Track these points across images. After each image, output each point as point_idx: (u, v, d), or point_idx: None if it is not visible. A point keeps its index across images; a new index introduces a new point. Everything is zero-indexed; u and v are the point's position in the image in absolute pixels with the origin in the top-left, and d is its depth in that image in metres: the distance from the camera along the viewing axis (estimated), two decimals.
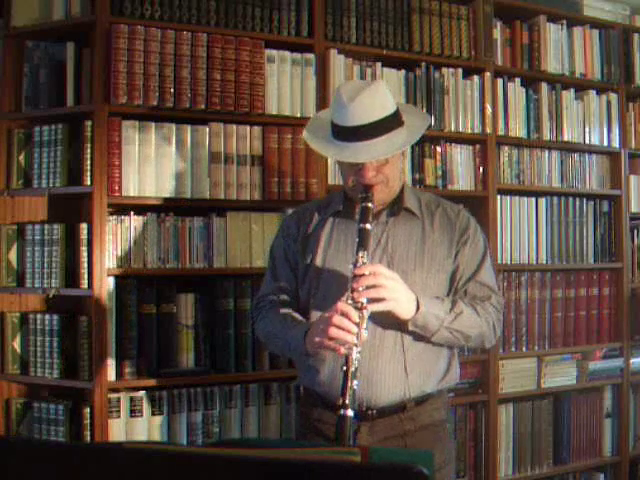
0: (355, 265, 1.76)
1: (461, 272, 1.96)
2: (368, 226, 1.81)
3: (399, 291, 1.77)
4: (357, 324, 1.70)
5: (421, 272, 1.91)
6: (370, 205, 1.84)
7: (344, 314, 1.70)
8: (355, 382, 1.68)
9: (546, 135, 3.31)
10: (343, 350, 1.69)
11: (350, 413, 1.65)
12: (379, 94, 1.87)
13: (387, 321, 1.85)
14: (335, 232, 1.99)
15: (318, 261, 1.96)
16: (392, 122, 1.87)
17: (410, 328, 1.83)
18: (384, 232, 1.95)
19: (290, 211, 2.69)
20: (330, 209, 2.03)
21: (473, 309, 1.90)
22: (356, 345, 1.69)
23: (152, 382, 2.56)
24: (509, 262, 3.19)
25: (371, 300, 1.74)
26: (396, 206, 1.97)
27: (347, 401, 1.65)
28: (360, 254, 1.77)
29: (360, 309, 1.71)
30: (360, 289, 1.72)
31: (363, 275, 1.73)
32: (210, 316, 2.68)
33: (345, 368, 1.69)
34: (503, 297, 2.06)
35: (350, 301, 1.72)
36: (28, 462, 1.04)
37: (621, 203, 3.49)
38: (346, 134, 1.85)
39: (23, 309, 2.68)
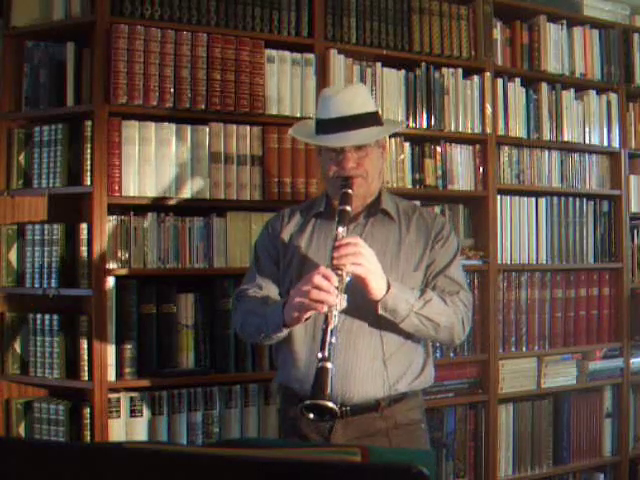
0: (336, 239, 1.83)
1: (432, 267, 2.02)
2: (348, 208, 1.88)
3: (374, 264, 1.83)
4: (337, 288, 1.74)
5: (397, 273, 1.96)
6: (349, 191, 1.92)
7: (324, 276, 1.74)
8: (334, 338, 1.71)
9: (546, 135, 3.32)
10: (324, 309, 1.73)
11: (329, 365, 1.67)
12: (360, 92, 2.03)
13: (364, 313, 1.89)
14: (316, 232, 2.05)
15: (299, 258, 2.02)
16: (372, 119, 1.98)
17: (380, 311, 1.86)
18: (362, 233, 2.00)
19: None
20: (312, 210, 2.10)
21: (442, 299, 1.95)
22: (335, 306, 1.73)
23: (152, 382, 2.56)
24: (509, 262, 3.19)
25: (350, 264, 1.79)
26: (373, 208, 2.04)
27: (326, 353, 1.68)
28: (340, 229, 1.84)
29: (340, 275, 1.76)
30: (339, 255, 1.78)
31: (344, 245, 1.80)
32: (210, 316, 2.68)
33: (324, 326, 1.72)
34: (472, 295, 2.12)
35: (330, 266, 1.78)
36: (28, 462, 1.04)
37: (621, 203, 3.49)
38: (327, 126, 1.95)
39: (23, 309, 2.67)
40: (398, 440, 1.95)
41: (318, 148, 2.08)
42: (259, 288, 2.05)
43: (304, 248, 2.03)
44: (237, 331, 2.16)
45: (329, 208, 2.05)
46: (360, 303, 1.86)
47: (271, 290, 2.05)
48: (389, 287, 1.84)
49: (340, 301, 1.74)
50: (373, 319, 1.91)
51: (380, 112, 2.10)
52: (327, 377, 1.65)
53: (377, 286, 1.83)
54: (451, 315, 1.94)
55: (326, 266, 1.79)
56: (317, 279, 1.74)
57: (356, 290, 1.82)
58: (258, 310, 1.96)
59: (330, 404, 1.62)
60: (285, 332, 1.90)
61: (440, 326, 1.93)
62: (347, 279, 1.78)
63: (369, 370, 1.92)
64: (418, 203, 2.63)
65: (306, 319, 1.84)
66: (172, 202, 2.63)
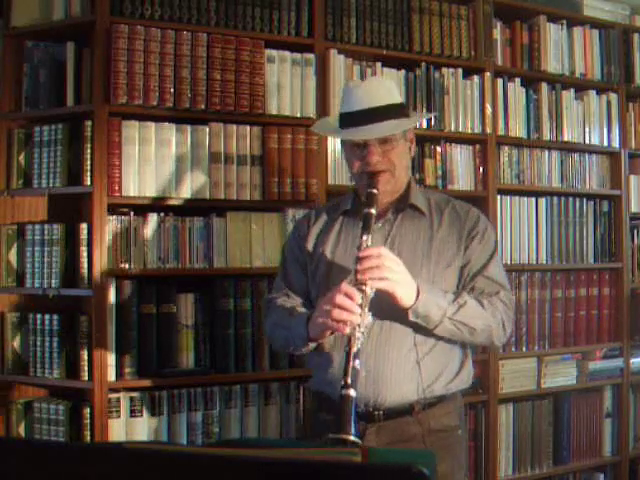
0: (359, 248, 1.75)
1: (469, 267, 1.92)
2: (373, 210, 1.80)
3: (400, 274, 1.75)
4: (360, 305, 1.68)
5: (428, 270, 1.88)
6: (375, 191, 1.84)
7: (347, 295, 1.69)
8: (357, 362, 1.65)
9: (546, 135, 3.32)
10: (347, 330, 1.68)
11: (352, 393, 1.62)
12: (384, 84, 1.95)
13: (395, 315, 1.82)
14: (344, 231, 1.99)
15: (327, 259, 1.96)
16: (397, 111, 1.90)
17: (411, 318, 1.79)
18: (391, 229, 1.93)
19: (295, 212, 2.73)
20: (339, 209, 2.03)
21: (479, 302, 1.86)
22: (359, 325, 1.67)
23: (152, 382, 2.56)
24: (509, 262, 3.19)
25: (374, 280, 1.73)
26: (402, 203, 1.96)
27: (349, 380, 1.62)
28: (364, 237, 1.77)
29: (363, 290, 1.70)
30: (362, 269, 1.71)
31: (367, 257, 1.72)
32: (210, 316, 2.68)
33: (347, 348, 1.66)
34: (514, 295, 2.01)
35: (353, 282, 1.72)
36: (28, 462, 1.04)
37: (621, 203, 3.49)
38: (350, 119, 1.88)
39: (23, 309, 2.67)
40: (433, 446, 1.86)
41: (343, 144, 2.02)
42: (287, 296, 2.00)
43: (331, 250, 1.96)
44: (270, 342, 2.15)
45: (356, 206, 1.98)
46: (390, 306, 1.79)
47: (299, 297, 2.00)
48: (419, 293, 1.77)
49: (363, 319, 1.68)
50: (405, 320, 1.82)
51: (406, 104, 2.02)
52: (350, 407, 1.60)
53: (405, 295, 1.76)
54: (488, 318, 1.85)
55: (349, 281, 1.74)
56: (339, 298, 1.68)
57: (385, 297, 1.76)
58: (284, 323, 1.92)
59: (352, 438, 1.56)
60: (313, 345, 1.86)
61: (476, 330, 1.84)
62: (371, 294, 1.72)
63: (402, 372, 1.84)
64: None
65: (330, 334, 1.79)
66: (172, 202, 2.63)
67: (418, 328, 1.84)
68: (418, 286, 1.78)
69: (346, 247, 1.95)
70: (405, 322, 1.83)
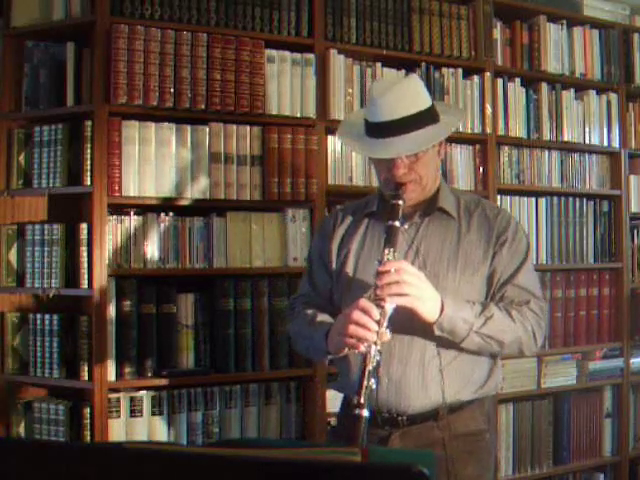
0: (380, 262, 1.70)
1: (498, 275, 1.86)
2: (397, 223, 1.75)
3: (422, 289, 1.70)
4: (377, 322, 1.64)
5: (454, 275, 1.83)
6: (400, 202, 1.78)
7: (364, 310, 1.65)
8: (372, 381, 1.62)
9: (546, 135, 3.31)
10: (362, 348, 1.64)
11: (365, 413, 1.59)
12: (410, 89, 1.83)
13: (417, 326, 1.77)
14: (369, 233, 1.93)
15: (351, 262, 1.91)
16: (424, 118, 1.81)
17: (437, 333, 1.74)
18: (417, 233, 1.88)
19: (295, 212, 2.73)
20: (365, 211, 1.97)
21: (507, 313, 1.79)
22: (376, 343, 1.64)
23: (152, 382, 2.56)
24: None
25: (393, 296, 1.68)
26: (430, 206, 1.90)
27: (362, 400, 1.59)
28: (386, 251, 1.71)
29: (382, 307, 1.65)
30: (382, 285, 1.67)
31: (387, 272, 1.67)
32: (210, 316, 2.68)
33: (363, 366, 1.63)
34: (546, 302, 1.93)
35: (372, 298, 1.68)
36: (28, 462, 1.04)
37: (621, 203, 3.49)
38: (377, 130, 1.80)
39: (23, 309, 2.67)
40: (457, 451, 1.82)
41: None
42: (310, 298, 1.98)
43: (356, 252, 1.91)
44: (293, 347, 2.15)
45: (383, 208, 1.91)
46: (414, 319, 1.74)
47: (322, 297, 1.97)
48: (443, 307, 1.71)
49: (381, 337, 1.64)
50: (430, 333, 1.77)
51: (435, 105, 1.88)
52: (361, 428, 1.58)
53: (428, 311, 1.70)
54: (518, 330, 1.79)
55: (368, 296, 1.69)
56: (356, 314, 1.65)
57: (405, 312, 1.72)
58: (305, 332, 1.90)
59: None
60: (332, 357, 1.85)
61: (505, 343, 1.79)
62: (390, 310, 1.67)
63: (423, 380, 1.80)
64: None
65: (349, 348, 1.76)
66: (172, 202, 2.63)
67: (443, 341, 1.79)
68: (442, 300, 1.72)
69: (371, 250, 1.90)
70: (428, 328, 1.77)
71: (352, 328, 1.65)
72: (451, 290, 1.79)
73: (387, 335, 1.66)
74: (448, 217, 1.89)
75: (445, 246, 1.85)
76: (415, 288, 1.68)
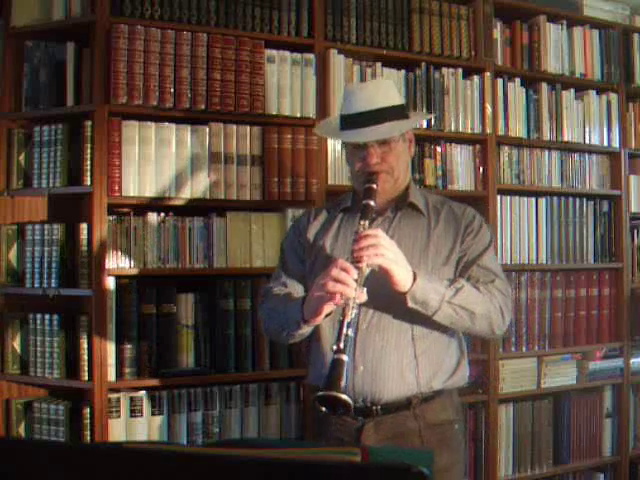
0: (357, 232, 1.79)
1: (465, 258, 1.95)
2: (372, 202, 1.85)
3: (397, 253, 1.79)
4: (355, 280, 1.70)
5: (426, 267, 1.90)
6: (374, 186, 1.88)
7: (342, 269, 1.71)
8: (350, 330, 1.68)
9: (546, 135, 3.31)
10: (341, 301, 1.70)
11: (345, 358, 1.64)
12: (384, 86, 1.98)
13: (393, 306, 1.83)
14: (342, 228, 2.02)
15: (325, 255, 1.98)
16: (396, 113, 1.93)
17: (410, 304, 1.80)
18: (389, 227, 1.96)
19: (295, 212, 2.73)
20: (339, 207, 2.07)
21: (474, 287, 1.88)
22: (354, 298, 1.70)
23: (152, 382, 2.56)
24: (509, 262, 3.19)
25: (370, 256, 1.75)
26: (401, 202, 2.00)
27: (342, 345, 1.65)
28: (362, 222, 1.81)
29: (359, 267, 1.72)
30: (359, 247, 1.75)
31: (364, 236, 1.76)
32: (210, 316, 2.68)
33: (341, 318, 1.69)
34: (510, 285, 2.02)
35: (350, 260, 1.75)
36: (28, 462, 1.04)
37: (621, 203, 3.49)
38: (351, 121, 1.91)
39: (23, 309, 2.67)
40: (430, 440, 1.89)
41: (344, 145, 2.06)
42: (284, 286, 2.01)
43: (330, 244, 2.00)
44: (263, 331, 2.15)
45: (356, 204, 2.00)
46: (388, 298, 1.82)
47: (296, 288, 2.01)
48: (415, 279, 1.79)
49: (358, 294, 1.70)
50: (403, 314, 1.86)
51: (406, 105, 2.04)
52: (342, 369, 1.62)
53: (402, 277, 1.77)
54: (487, 303, 1.87)
55: (346, 259, 1.76)
56: (334, 272, 1.70)
57: (383, 285, 1.78)
58: (279, 308, 1.94)
59: (343, 396, 1.58)
60: (306, 329, 1.87)
61: (476, 314, 1.85)
62: (367, 271, 1.74)
63: (399, 368, 1.87)
64: None
65: (326, 315, 1.79)
66: (172, 202, 2.63)
67: (416, 322, 1.86)
68: (414, 272, 1.80)
69: (345, 242, 1.97)
70: (404, 317, 1.85)
71: (331, 284, 1.70)
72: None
73: (364, 295, 1.72)
74: (418, 213, 2.00)
75: (416, 239, 1.95)
76: (390, 252, 1.77)
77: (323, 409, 1.63)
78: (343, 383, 1.61)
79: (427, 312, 1.82)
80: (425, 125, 3.02)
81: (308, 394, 2.10)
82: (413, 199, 1.99)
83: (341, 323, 1.68)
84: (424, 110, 3.01)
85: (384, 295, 1.81)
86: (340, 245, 1.98)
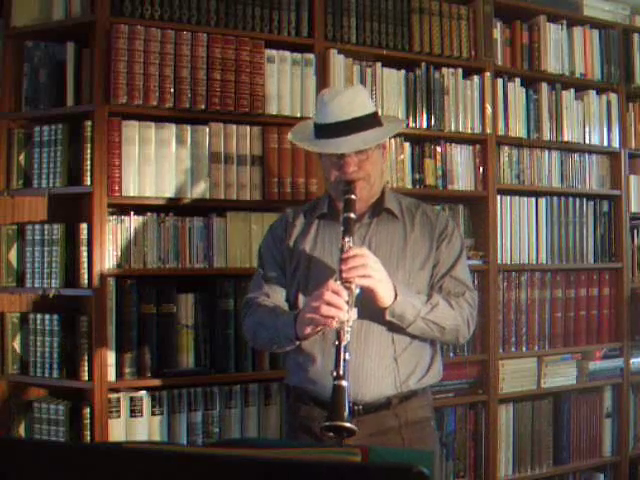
0: (342, 250, 1.83)
1: (438, 268, 2.02)
2: (352, 215, 1.88)
3: (382, 272, 1.84)
4: (347, 302, 1.75)
5: (404, 271, 1.97)
6: (353, 197, 1.91)
7: (334, 292, 1.75)
8: (347, 354, 1.72)
9: (546, 135, 3.31)
10: (335, 324, 1.74)
11: (345, 384, 1.68)
12: (358, 95, 1.98)
13: (373, 314, 1.89)
14: (320, 233, 2.05)
15: (305, 262, 2.01)
16: (370, 121, 1.96)
17: (387, 317, 1.88)
18: (367, 233, 2.01)
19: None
20: (315, 212, 2.09)
21: (448, 303, 1.96)
22: (348, 321, 1.74)
23: (152, 382, 2.56)
24: (509, 262, 3.19)
25: (360, 278, 1.80)
26: (377, 208, 2.04)
27: (341, 372, 1.69)
28: (346, 239, 1.84)
29: (349, 288, 1.77)
30: (348, 268, 1.79)
31: (352, 257, 1.80)
32: (210, 316, 2.68)
33: (337, 342, 1.73)
34: (476, 293, 2.11)
35: (339, 281, 1.79)
36: (28, 462, 1.04)
37: (621, 203, 3.49)
38: (327, 131, 1.94)
39: (23, 309, 2.67)
40: (410, 437, 1.97)
41: (319, 153, 2.07)
42: (267, 296, 2.04)
43: (309, 251, 2.03)
44: (249, 341, 2.17)
45: (332, 209, 2.05)
46: (370, 304, 1.86)
47: (278, 296, 2.04)
48: (396, 294, 1.86)
49: (351, 315, 1.75)
50: (381, 318, 1.91)
51: (379, 112, 2.08)
52: (344, 396, 1.67)
53: (385, 295, 1.84)
54: (457, 317, 1.96)
55: (335, 279, 1.80)
56: (327, 295, 1.74)
57: (366, 297, 1.84)
58: (268, 322, 1.96)
59: (349, 425, 1.64)
60: (298, 343, 1.92)
61: (445, 330, 1.95)
62: (356, 292, 1.80)
63: (380, 368, 1.93)
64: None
65: (318, 331, 1.85)
66: (172, 202, 2.63)
67: (393, 327, 1.93)
68: (395, 287, 1.86)
69: (323, 249, 2.02)
70: (381, 321, 1.91)
71: (324, 308, 1.74)
72: (402, 284, 1.92)
73: (355, 314, 1.77)
74: (394, 218, 2.04)
75: (394, 244, 2.01)
76: (377, 271, 1.82)
77: (330, 434, 1.68)
78: (347, 410, 1.66)
79: (402, 324, 1.90)
80: (425, 125, 3.02)
81: (291, 395, 2.11)
82: (388, 204, 2.04)
83: (337, 348, 1.73)
84: (424, 110, 3.01)
85: (367, 303, 1.85)
86: (319, 252, 2.02)
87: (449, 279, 2.01)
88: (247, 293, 2.14)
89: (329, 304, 1.74)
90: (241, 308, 2.16)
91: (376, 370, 1.93)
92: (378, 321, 1.92)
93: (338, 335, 1.74)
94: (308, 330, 1.82)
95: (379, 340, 1.94)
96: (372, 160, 1.97)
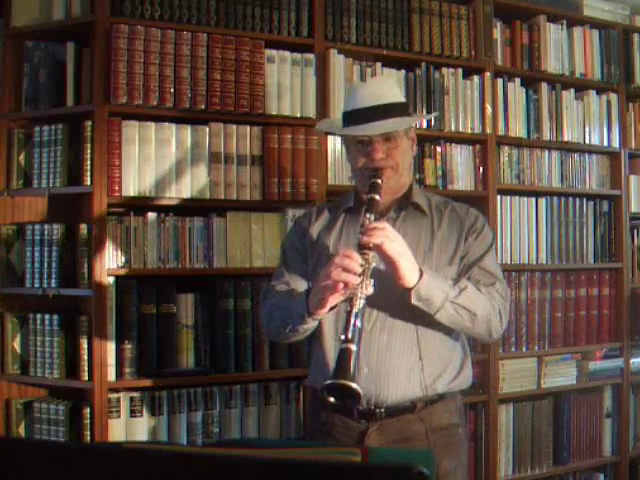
0: (362, 225, 1.77)
1: (466, 259, 1.94)
2: (376, 196, 1.83)
3: (404, 247, 1.76)
4: (362, 266, 1.67)
5: (430, 267, 1.87)
6: (379, 181, 1.86)
7: (348, 256, 1.68)
8: (359, 321, 1.64)
9: (546, 135, 3.31)
10: (347, 292, 1.67)
11: (353, 347, 1.60)
12: (388, 83, 2.02)
13: (396, 306, 1.82)
14: (345, 228, 1.99)
15: (328, 255, 1.94)
16: (399, 109, 1.93)
17: (413, 301, 1.77)
18: (393, 227, 1.89)
19: (295, 212, 2.71)
20: (341, 207, 2.04)
21: (477, 288, 1.87)
22: (361, 287, 1.66)
23: (152, 382, 2.56)
24: (509, 262, 3.19)
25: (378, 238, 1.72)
26: (404, 202, 1.98)
27: (350, 336, 1.61)
28: (367, 215, 1.78)
29: (365, 254, 1.69)
30: (368, 234, 1.72)
31: (372, 227, 1.73)
32: (210, 316, 2.68)
33: (349, 309, 1.65)
34: (513, 293, 2.03)
35: (356, 249, 1.72)
36: (28, 462, 1.04)
37: (621, 203, 3.49)
38: (357, 116, 1.90)
39: (23, 309, 2.67)
40: (435, 444, 1.86)
41: (346, 143, 2.02)
42: (287, 285, 1.98)
43: (333, 244, 1.96)
44: (264, 329, 2.08)
45: (358, 203, 1.99)
46: (393, 299, 1.80)
47: (299, 285, 1.96)
48: (421, 275, 1.76)
49: (366, 285, 1.67)
50: (408, 315, 1.83)
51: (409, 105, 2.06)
52: (350, 358, 1.58)
53: (408, 271, 1.74)
54: (487, 305, 1.85)
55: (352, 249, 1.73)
56: (339, 259, 1.68)
57: (388, 287, 1.76)
58: (283, 303, 1.90)
59: (353, 385, 1.54)
60: (311, 323, 1.82)
61: (477, 316, 1.83)
62: (373, 264, 1.71)
63: (404, 369, 1.84)
64: None
65: (331, 308, 1.75)
66: (172, 202, 2.63)
67: (421, 324, 1.84)
68: (420, 268, 1.77)
69: (348, 240, 1.94)
70: (408, 318, 1.83)
71: (336, 272, 1.67)
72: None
73: (371, 287, 1.68)
74: (421, 214, 1.98)
75: (420, 240, 1.93)
76: (397, 243, 1.74)
77: (332, 399, 1.59)
78: (352, 372, 1.57)
79: (430, 310, 1.79)
80: (425, 125, 3.02)
81: (308, 397, 2.07)
82: (416, 199, 1.98)
83: (348, 313, 1.64)
84: (424, 110, 3.01)
85: (389, 296, 1.79)
86: (343, 244, 1.94)
87: (477, 269, 1.91)
88: (269, 282, 2.08)
89: (341, 268, 1.66)
90: (261, 296, 2.08)
91: (399, 372, 1.83)
92: (403, 316, 1.84)
93: (350, 301, 1.66)
94: (319, 298, 1.72)
95: (403, 340, 1.85)
96: (401, 149, 1.92)
